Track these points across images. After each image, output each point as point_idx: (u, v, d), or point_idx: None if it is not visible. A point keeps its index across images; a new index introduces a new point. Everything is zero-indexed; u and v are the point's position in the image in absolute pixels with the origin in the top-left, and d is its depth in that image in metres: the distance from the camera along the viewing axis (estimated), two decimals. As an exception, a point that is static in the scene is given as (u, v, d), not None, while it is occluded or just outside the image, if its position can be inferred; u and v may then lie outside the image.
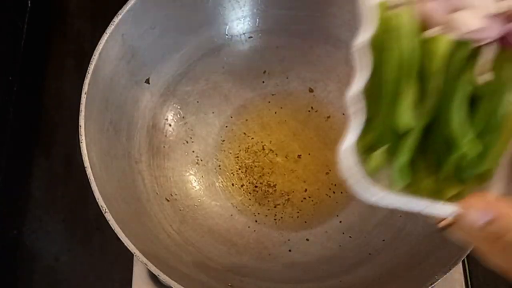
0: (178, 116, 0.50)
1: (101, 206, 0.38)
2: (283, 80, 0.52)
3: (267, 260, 0.46)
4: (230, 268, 0.44)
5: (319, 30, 0.51)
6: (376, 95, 0.31)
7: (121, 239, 0.38)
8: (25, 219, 0.52)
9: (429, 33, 0.32)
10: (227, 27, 0.51)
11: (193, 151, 0.50)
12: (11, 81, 0.56)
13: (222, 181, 0.49)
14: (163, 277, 0.38)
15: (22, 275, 0.51)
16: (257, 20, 0.51)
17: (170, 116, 0.50)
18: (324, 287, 0.44)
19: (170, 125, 0.50)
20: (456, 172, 0.31)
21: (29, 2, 0.59)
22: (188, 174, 0.49)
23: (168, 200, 0.47)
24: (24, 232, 0.52)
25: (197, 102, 0.51)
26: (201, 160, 0.50)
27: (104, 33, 0.42)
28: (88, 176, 0.39)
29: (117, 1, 0.43)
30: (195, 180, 0.49)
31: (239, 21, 0.51)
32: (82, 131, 0.40)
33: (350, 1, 0.48)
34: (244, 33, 0.52)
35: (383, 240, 0.45)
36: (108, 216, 0.38)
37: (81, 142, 0.40)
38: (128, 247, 0.38)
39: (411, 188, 0.31)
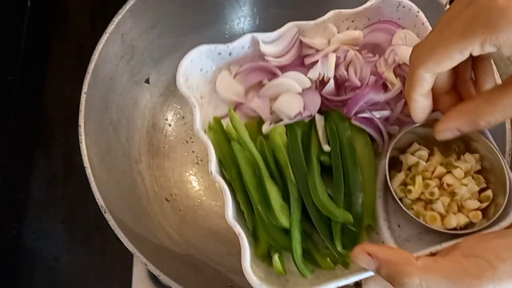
0: (178, 116, 0.50)
1: (101, 206, 0.38)
2: (283, 80, 0.52)
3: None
4: (230, 268, 0.44)
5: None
6: (250, 206, 0.34)
7: (121, 239, 0.38)
8: (25, 219, 0.52)
9: (264, 130, 0.36)
10: (227, 26, 0.51)
11: (193, 151, 0.50)
12: (11, 81, 0.56)
13: (222, 181, 0.49)
14: (163, 277, 0.38)
15: (22, 275, 0.51)
16: (257, 19, 0.51)
17: (170, 116, 0.50)
18: (324, 287, 0.44)
19: (170, 125, 0.50)
20: (345, 238, 0.34)
21: (29, 2, 0.59)
22: (188, 174, 0.49)
23: (168, 200, 0.47)
24: (24, 232, 0.52)
25: (197, 102, 0.51)
26: (201, 160, 0.50)
27: (104, 33, 0.42)
28: (88, 176, 0.39)
29: (117, 1, 0.43)
30: (195, 180, 0.49)
31: (239, 21, 0.51)
32: (82, 131, 0.40)
33: (350, 0, 0.48)
34: (244, 33, 0.51)
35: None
36: (108, 216, 0.38)
37: (81, 142, 0.40)
38: (128, 247, 0.38)
39: (321, 273, 0.34)
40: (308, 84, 0.37)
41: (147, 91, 0.49)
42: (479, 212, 0.33)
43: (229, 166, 0.34)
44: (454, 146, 0.36)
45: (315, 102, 0.36)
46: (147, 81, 0.49)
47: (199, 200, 0.48)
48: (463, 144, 0.35)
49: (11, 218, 0.52)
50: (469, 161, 0.35)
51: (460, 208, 0.34)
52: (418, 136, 0.36)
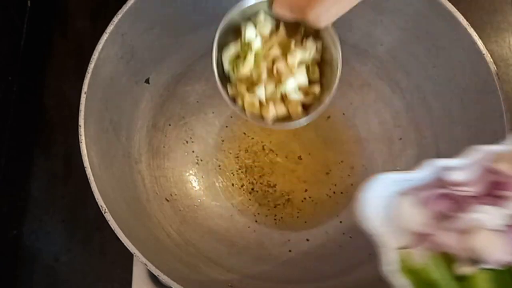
0: (178, 116, 0.50)
1: (101, 206, 0.38)
2: (283, 80, 0.52)
3: (267, 260, 0.46)
4: (230, 268, 0.44)
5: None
6: None
7: (121, 239, 0.38)
8: (25, 219, 0.52)
9: (461, 270, 0.30)
10: (227, 27, 0.51)
11: (193, 151, 0.50)
12: (11, 81, 0.56)
13: (222, 181, 0.49)
14: (163, 277, 0.38)
15: (22, 275, 0.51)
16: (257, 20, 0.51)
17: (170, 116, 0.50)
18: (324, 287, 0.44)
19: (170, 125, 0.50)
20: None
21: (29, 2, 0.59)
22: (188, 174, 0.49)
23: (168, 200, 0.47)
24: (24, 232, 0.52)
25: (197, 102, 0.51)
26: (201, 160, 0.50)
27: (104, 33, 0.42)
28: (88, 176, 0.39)
29: (117, 1, 0.43)
30: (195, 180, 0.49)
31: (239, 21, 0.51)
32: (82, 131, 0.40)
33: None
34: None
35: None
36: (108, 216, 0.38)
37: (81, 142, 0.40)
38: (128, 247, 0.38)
39: None
40: (510, 221, 0.31)
41: (147, 91, 0.49)
42: (300, 107, 0.30)
43: None
44: (302, 26, 0.31)
45: None
46: (147, 81, 0.49)
47: (199, 200, 0.48)
48: (312, 29, 0.31)
49: (11, 218, 0.52)
50: (309, 48, 0.31)
51: (284, 99, 0.31)
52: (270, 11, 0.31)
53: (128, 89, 0.47)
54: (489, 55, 0.42)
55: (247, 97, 0.31)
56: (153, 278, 0.45)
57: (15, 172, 0.54)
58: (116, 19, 0.42)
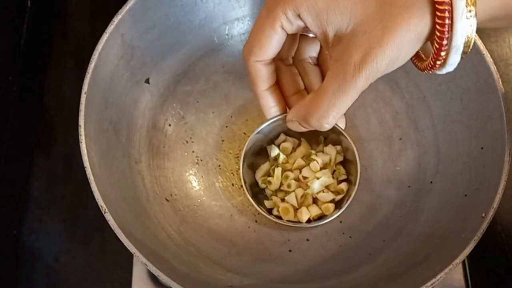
0: (178, 116, 0.50)
1: (101, 206, 0.38)
2: (283, 80, 0.52)
3: (267, 260, 0.46)
4: (230, 268, 0.44)
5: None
6: None
7: (121, 239, 0.38)
8: (25, 219, 0.52)
9: None
10: (227, 27, 0.51)
11: (193, 151, 0.50)
12: (11, 81, 0.56)
13: (222, 181, 0.49)
14: (163, 277, 0.38)
15: (22, 275, 0.51)
16: (257, 20, 0.51)
17: (170, 116, 0.50)
18: (324, 287, 0.44)
19: (170, 125, 0.50)
20: None
21: (29, 2, 0.59)
22: (188, 174, 0.49)
23: (168, 200, 0.47)
24: (24, 232, 0.52)
25: (197, 102, 0.51)
26: (201, 160, 0.50)
27: (104, 33, 0.42)
28: (88, 176, 0.39)
29: (117, 1, 0.43)
30: (195, 180, 0.49)
31: (239, 21, 0.51)
32: (81, 131, 0.40)
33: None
34: (244, 33, 0.52)
35: (383, 240, 0.45)
36: (108, 216, 0.38)
37: (81, 142, 0.40)
38: (128, 247, 0.38)
39: None
40: None
41: (147, 91, 0.49)
42: (331, 205, 0.35)
43: None
44: (322, 136, 0.37)
45: None
46: (147, 81, 0.49)
47: (199, 200, 0.48)
48: (333, 134, 0.36)
49: (11, 218, 0.52)
50: (329, 153, 0.35)
51: (316, 201, 0.35)
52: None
53: (128, 89, 0.47)
54: (489, 55, 0.42)
55: (281, 205, 0.36)
56: (153, 278, 0.45)
57: (15, 172, 0.54)
58: (116, 19, 0.42)
